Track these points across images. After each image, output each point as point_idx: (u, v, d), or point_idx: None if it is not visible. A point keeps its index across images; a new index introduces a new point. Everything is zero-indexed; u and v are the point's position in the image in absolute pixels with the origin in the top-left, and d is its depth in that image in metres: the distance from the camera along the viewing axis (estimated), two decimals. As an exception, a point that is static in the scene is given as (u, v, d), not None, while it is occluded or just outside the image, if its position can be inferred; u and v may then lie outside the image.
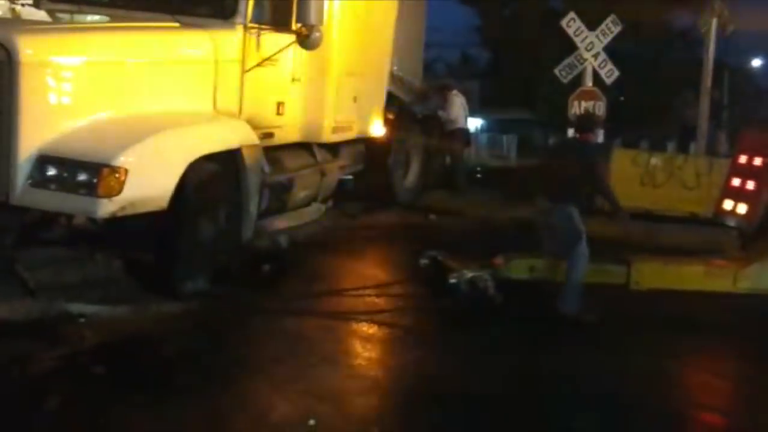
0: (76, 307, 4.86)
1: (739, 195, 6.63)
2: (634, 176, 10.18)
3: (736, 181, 6.78)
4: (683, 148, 13.88)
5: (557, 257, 5.57)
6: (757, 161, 6.58)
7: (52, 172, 4.72)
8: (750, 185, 6.53)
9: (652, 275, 5.64)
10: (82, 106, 4.98)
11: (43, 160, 4.73)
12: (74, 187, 4.69)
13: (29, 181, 4.73)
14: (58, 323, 4.66)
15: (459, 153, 11.72)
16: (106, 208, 4.66)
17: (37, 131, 4.76)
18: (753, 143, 6.91)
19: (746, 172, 6.66)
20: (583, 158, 5.59)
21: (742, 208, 6.53)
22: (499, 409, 4.03)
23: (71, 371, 4.09)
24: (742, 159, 6.82)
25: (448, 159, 11.49)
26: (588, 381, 4.46)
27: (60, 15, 6.02)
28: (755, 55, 29.05)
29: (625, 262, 5.64)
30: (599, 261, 5.74)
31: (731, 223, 6.76)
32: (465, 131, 11.96)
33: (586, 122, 6.75)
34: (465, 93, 12.17)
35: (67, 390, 3.84)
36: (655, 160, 10.34)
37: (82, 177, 4.68)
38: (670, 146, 19.43)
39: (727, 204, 6.75)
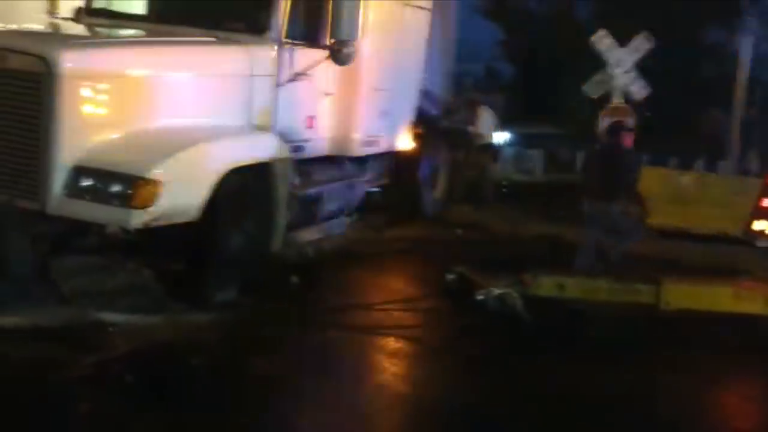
0: (107, 316, 4.92)
1: (771, 216, 6.55)
2: (663, 194, 10.08)
3: (767, 202, 6.69)
4: (712, 167, 13.74)
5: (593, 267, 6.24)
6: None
7: (87, 182, 4.81)
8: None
9: (682, 296, 5.58)
10: (119, 119, 5.07)
11: (79, 171, 4.82)
12: (108, 198, 4.77)
13: (65, 191, 4.82)
14: (90, 331, 4.72)
15: (487, 168, 11.70)
16: (139, 219, 4.74)
17: (74, 142, 4.86)
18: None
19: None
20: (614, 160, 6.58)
21: (774, 230, 6.44)
22: (525, 427, 4.00)
23: (101, 379, 4.14)
24: (775, 180, 6.73)
25: (475, 173, 11.46)
26: (612, 399, 4.43)
27: (98, 29, 6.15)
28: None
29: (655, 282, 5.58)
30: (629, 280, 5.71)
31: (762, 244, 6.67)
32: (493, 146, 11.95)
33: (613, 127, 7.34)
34: (491, 107, 12.16)
35: (97, 398, 3.89)
36: (685, 178, 10.24)
37: (116, 188, 4.76)
38: (698, 164, 19.20)
39: (758, 225, 6.67)
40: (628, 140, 6.87)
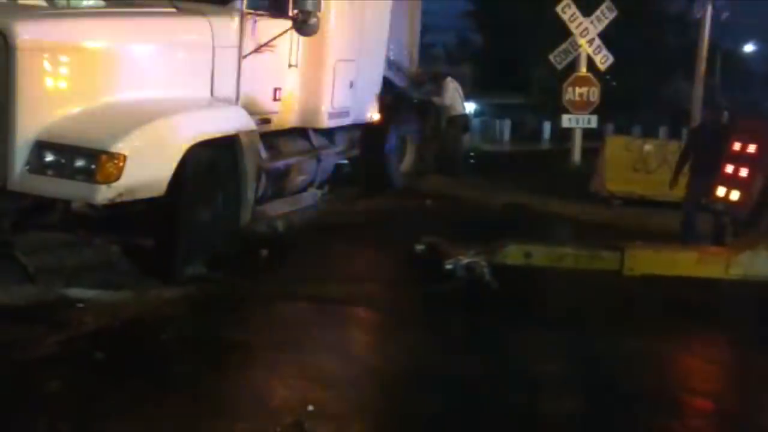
0: (74, 292, 4.87)
1: (732, 182, 6.67)
2: (627, 162, 10.24)
3: (729, 168, 6.81)
4: (676, 134, 13.95)
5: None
6: (751, 148, 6.61)
7: (49, 158, 4.72)
8: (743, 172, 6.56)
9: (646, 262, 5.69)
10: (80, 92, 4.97)
11: (40, 146, 4.72)
12: (72, 174, 4.69)
13: (27, 167, 4.73)
14: (56, 308, 4.67)
15: (458, 139, 11.74)
16: (104, 194, 4.67)
17: (35, 117, 4.76)
18: (746, 130, 6.95)
19: (740, 158, 6.70)
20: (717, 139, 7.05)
21: (734, 195, 6.57)
22: (494, 394, 4.09)
23: (70, 357, 4.10)
24: (736, 146, 6.85)
25: (446, 145, 11.50)
26: (578, 363, 4.53)
27: (57, 0, 5.99)
28: (748, 40, 29.15)
29: (618, 249, 5.69)
30: (593, 247, 5.81)
31: (724, 209, 6.81)
32: (464, 117, 11.97)
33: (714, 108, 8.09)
34: (458, 78, 12.17)
35: (66, 375, 3.85)
36: (648, 146, 10.41)
37: (80, 163, 4.68)
38: (662, 131, 19.48)
39: (720, 190, 6.79)
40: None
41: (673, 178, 7.65)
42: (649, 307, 5.71)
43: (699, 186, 7.22)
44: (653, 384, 4.39)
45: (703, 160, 7.23)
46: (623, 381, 4.37)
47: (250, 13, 6.00)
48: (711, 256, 5.78)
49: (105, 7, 6.01)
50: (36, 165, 4.72)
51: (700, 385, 4.57)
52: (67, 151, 4.69)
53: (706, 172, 7.04)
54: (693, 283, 5.75)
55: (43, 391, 3.69)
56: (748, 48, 29.46)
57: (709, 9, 11.65)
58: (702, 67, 12.05)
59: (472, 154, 14.15)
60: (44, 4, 5.93)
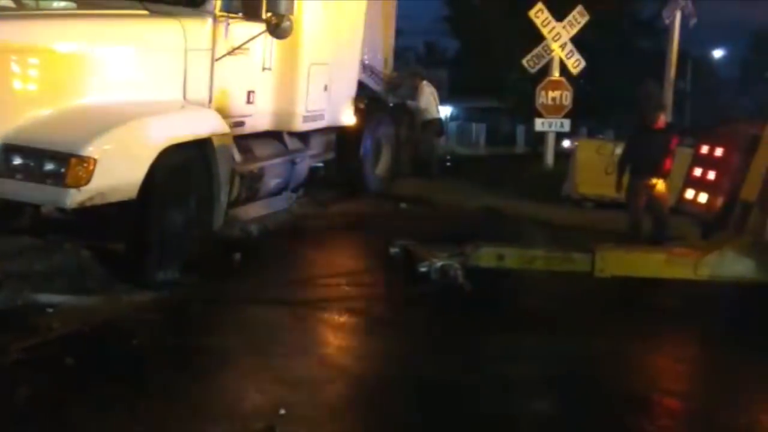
0: (44, 297, 4.81)
1: (700, 185, 6.79)
2: (599, 165, 10.36)
3: (697, 171, 6.93)
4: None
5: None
6: (719, 152, 6.74)
7: (17, 161, 4.65)
8: (711, 175, 6.69)
9: (616, 263, 5.77)
10: (49, 95, 4.91)
11: (8, 149, 4.66)
12: (41, 177, 4.62)
13: None
14: (26, 313, 4.60)
15: (432, 143, 11.80)
16: (75, 198, 4.61)
17: (2, 119, 4.69)
18: (715, 134, 7.08)
19: (708, 162, 6.82)
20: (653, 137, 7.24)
21: (703, 198, 6.68)
22: (467, 395, 4.11)
23: (39, 362, 4.04)
24: (704, 149, 6.97)
25: (421, 148, 11.56)
26: (551, 365, 4.57)
27: (26, 1, 5.91)
28: (717, 46, 29.71)
29: (589, 251, 5.76)
30: (565, 249, 5.88)
31: (692, 212, 6.92)
32: (438, 121, 12.04)
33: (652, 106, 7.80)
34: (434, 82, 12.24)
35: (36, 382, 3.79)
36: (619, 150, 10.52)
37: (49, 167, 4.62)
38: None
39: (689, 193, 6.91)
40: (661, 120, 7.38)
41: (617, 182, 7.54)
42: (619, 307, 5.78)
43: (640, 185, 7.21)
44: (625, 384, 4.44)
45: (644, 160, 7.23)
46: (595, 381, 4.42)
47: (223, 16, 5.98)
48: (680, 257, 5.86)
49: (75, 8, 5.95)
50: (3, 168, 4.65)
51: (671, 385, 4.64)
52: (35, 154, 4.63)
53: (647, 172, 7.14)
54: (663, 283, 5.84)
55: (12, 397, 3.63)
56: (717, 53, 30.01)
57: (678, 15, 11.85)
58: (672, 72, 12.25)
59: (448, 157, 14.23)
60: (12, 4, 5.85)
